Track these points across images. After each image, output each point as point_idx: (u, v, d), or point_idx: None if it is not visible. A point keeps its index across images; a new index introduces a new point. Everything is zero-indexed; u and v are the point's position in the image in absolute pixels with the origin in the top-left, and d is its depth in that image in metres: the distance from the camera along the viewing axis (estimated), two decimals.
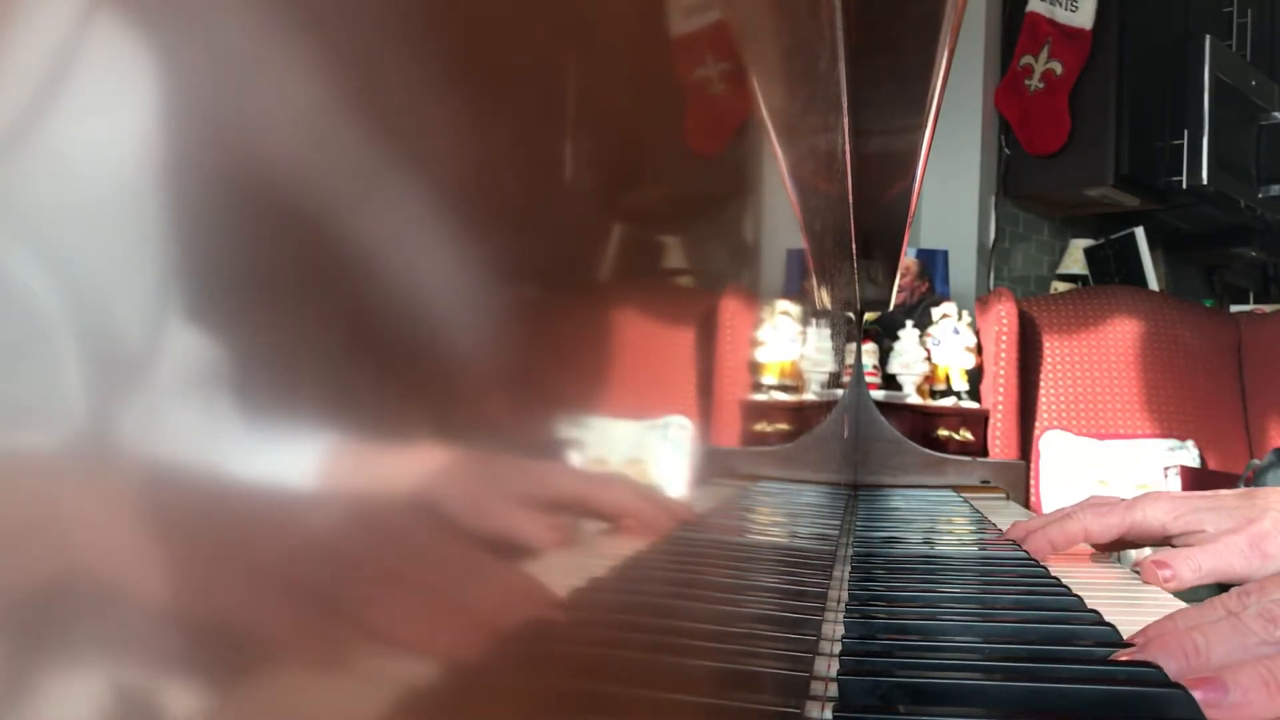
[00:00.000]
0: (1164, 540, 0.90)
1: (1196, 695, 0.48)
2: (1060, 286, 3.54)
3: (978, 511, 1.38)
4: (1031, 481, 2.82)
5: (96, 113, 0.08)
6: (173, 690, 0.08)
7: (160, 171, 0.08)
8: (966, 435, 2.72)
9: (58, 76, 0.07)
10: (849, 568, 0.86)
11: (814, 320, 0.66)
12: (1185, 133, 3.35)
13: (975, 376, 2.88)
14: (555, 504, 0.18)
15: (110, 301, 0.08)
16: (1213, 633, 0.55)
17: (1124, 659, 0.56)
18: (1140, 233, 3.58)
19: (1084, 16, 3.25)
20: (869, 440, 1.82)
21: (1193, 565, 0.79)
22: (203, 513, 0.09)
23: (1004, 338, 2.78)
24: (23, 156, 0.07)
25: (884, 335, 2.86)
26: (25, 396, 0.07)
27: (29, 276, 0.07)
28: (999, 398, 2.78)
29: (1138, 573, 0.86)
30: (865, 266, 1.59)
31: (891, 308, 2.31)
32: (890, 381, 2.82)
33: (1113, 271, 3.57)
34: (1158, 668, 0.54)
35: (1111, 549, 0.96)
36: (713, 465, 0.32)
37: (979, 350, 2.88)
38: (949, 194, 3.26)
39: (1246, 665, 0.51)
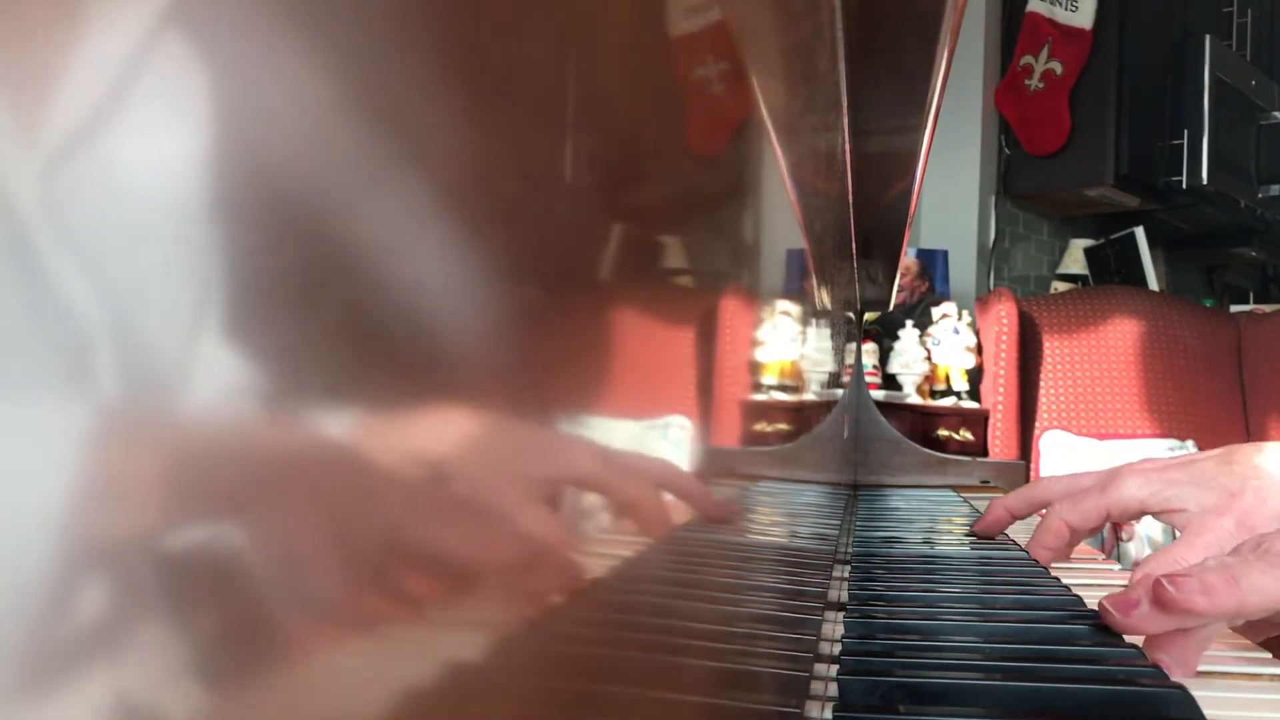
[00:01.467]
0: (1143, 515, 0.85)
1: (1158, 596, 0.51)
2: (1060, 286, 3.54)
3: (978, 512, 1.38)
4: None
5: (150, 129, 0.08)
6: (182, 688, 0.08)
7: (208, 187, 0.08)
8: (966, 435, 2.72)
9: (117, 93, 0.07)
10: (849, 568, 0.86)
11: (814, 320, 0.66)
12: (1185, 133, 3.35)
13: (975, 376, 2.88)
14: (557, 500, 0.18)
15: (151, 310, 0.08)
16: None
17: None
18: (1140, 233, 3.58)
19: (1084, 16, 3.25)
20: (869, 440, 1.82)
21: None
22: (224, 512, 0.09)
23: (1004, 338, 2.78)
24: (76, 168, 0.07)
25: (884, 335, 2.86)
26: (63, 398, 0.07)
27: (74, 284, 0.07)
28: (999, 398, 2.78)
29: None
30: (865, 266, 1.59)
31: (891, 308, 2.31)
32: (890, 381, 2.82)
33: (1113, 271, 3.58)
34: (1157, 667, 0.54)
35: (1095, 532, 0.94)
36: (713, 465, 0.32)
37: (979, 350, 2.88)
38: (949, 194, 3.26)
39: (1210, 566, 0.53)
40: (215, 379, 0.09)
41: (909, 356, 2.79)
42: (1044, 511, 0.94)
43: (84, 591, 0.07)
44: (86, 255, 0.07)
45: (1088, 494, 0.87)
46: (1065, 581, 0.78)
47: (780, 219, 0.46)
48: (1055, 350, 2.94)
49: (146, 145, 0.08)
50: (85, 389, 0.07)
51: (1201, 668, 0.58)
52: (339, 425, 0.11)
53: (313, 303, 0.10)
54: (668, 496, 0.26)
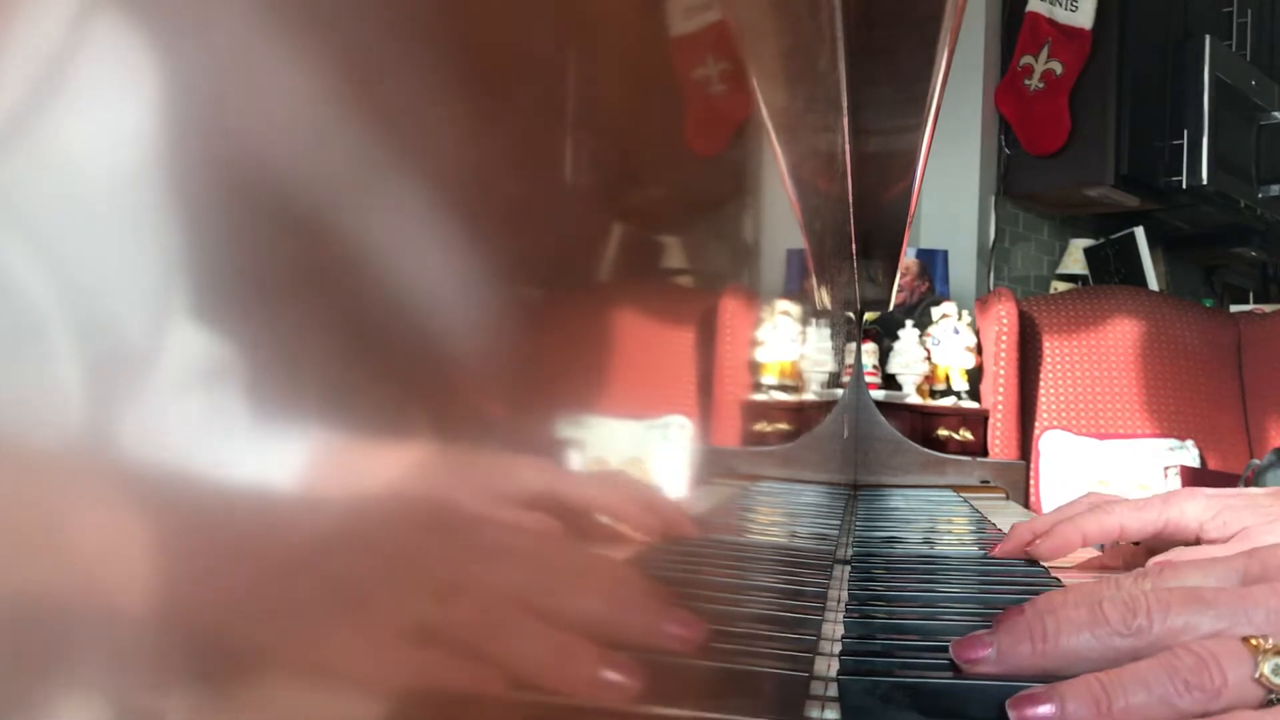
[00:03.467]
0: (1197, 542, 0.86)
1: (1014, 714, 0.46)
2: (1060, 286, 3.54)
3: (978, 511, 1.38)
4: (1031, 481, 2.82)
5: (96, 109, 0.08)
6: (171, 685, 0.08)
7: (159, 169, 0.08)
8: (966, 435, 2.72)
9: (58, 71, 0.07)
10: (849, 568, 0.86)
11: (814, 320, 0.66)
12: (1185, 133, 3.35)
13: (975, 376, 2.88)
14: (555, 503, 0.18)
15: (107, 297, 0.08)
16: (1064, 617, 0.51)
17: (973, 657, 0.53)
18: (1140, 233, 3.58)
19: (1084, 16, 3.25)
20: (869, 440, 1.82)
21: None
22: (198, 508, 0.09)
23: (1004, 337, 2.78)
24: (21, 151, 0.07)
25: (884, 335, 2.86)
26: (21, 391, 0.07)
27: (25, 271, 0.07)
28: (999, 398, 2.78)
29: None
30: (865, 266, 1.59)
31: (891, 308, 2.31)
32: (890, 381, 2.82)
33: (1112, 271, 3.58)
34: None
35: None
36: (713, 465, 0.32)
37: (979, 350, 2.88)
38: (949, 194, 3.26)
39: (1078, 682, 0.48)
40: (182, 374, 0.09)
41: (909, 356, 2.79)
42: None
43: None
44: (35, 244, 0.07)
45: (1150, 504, 0.85)
46: (1065, 581, 0.78)
47: (780, 219, 0.46)
48: (1055, 350, 2.94)
49: (93, 130, 0.08)
50: (43, 384, 0.07)
51: None
52: (330, 426, 0.11)
53: (287, 297, 0.10)
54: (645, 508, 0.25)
